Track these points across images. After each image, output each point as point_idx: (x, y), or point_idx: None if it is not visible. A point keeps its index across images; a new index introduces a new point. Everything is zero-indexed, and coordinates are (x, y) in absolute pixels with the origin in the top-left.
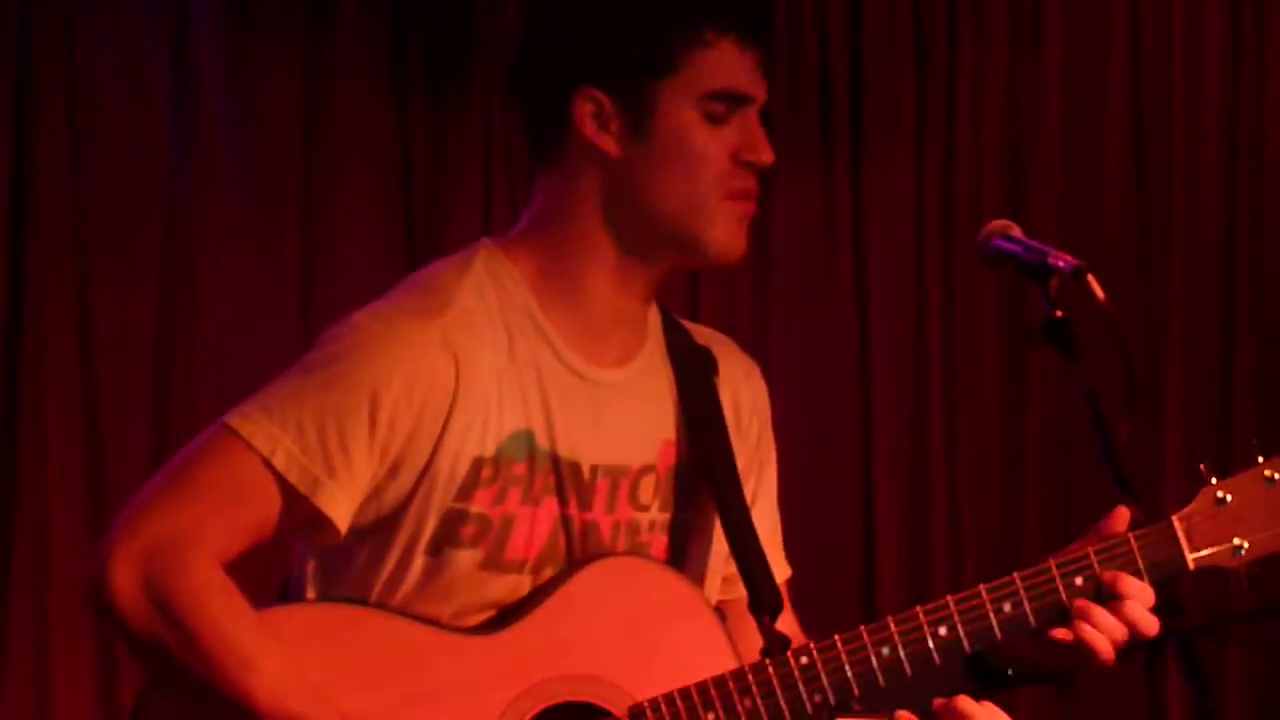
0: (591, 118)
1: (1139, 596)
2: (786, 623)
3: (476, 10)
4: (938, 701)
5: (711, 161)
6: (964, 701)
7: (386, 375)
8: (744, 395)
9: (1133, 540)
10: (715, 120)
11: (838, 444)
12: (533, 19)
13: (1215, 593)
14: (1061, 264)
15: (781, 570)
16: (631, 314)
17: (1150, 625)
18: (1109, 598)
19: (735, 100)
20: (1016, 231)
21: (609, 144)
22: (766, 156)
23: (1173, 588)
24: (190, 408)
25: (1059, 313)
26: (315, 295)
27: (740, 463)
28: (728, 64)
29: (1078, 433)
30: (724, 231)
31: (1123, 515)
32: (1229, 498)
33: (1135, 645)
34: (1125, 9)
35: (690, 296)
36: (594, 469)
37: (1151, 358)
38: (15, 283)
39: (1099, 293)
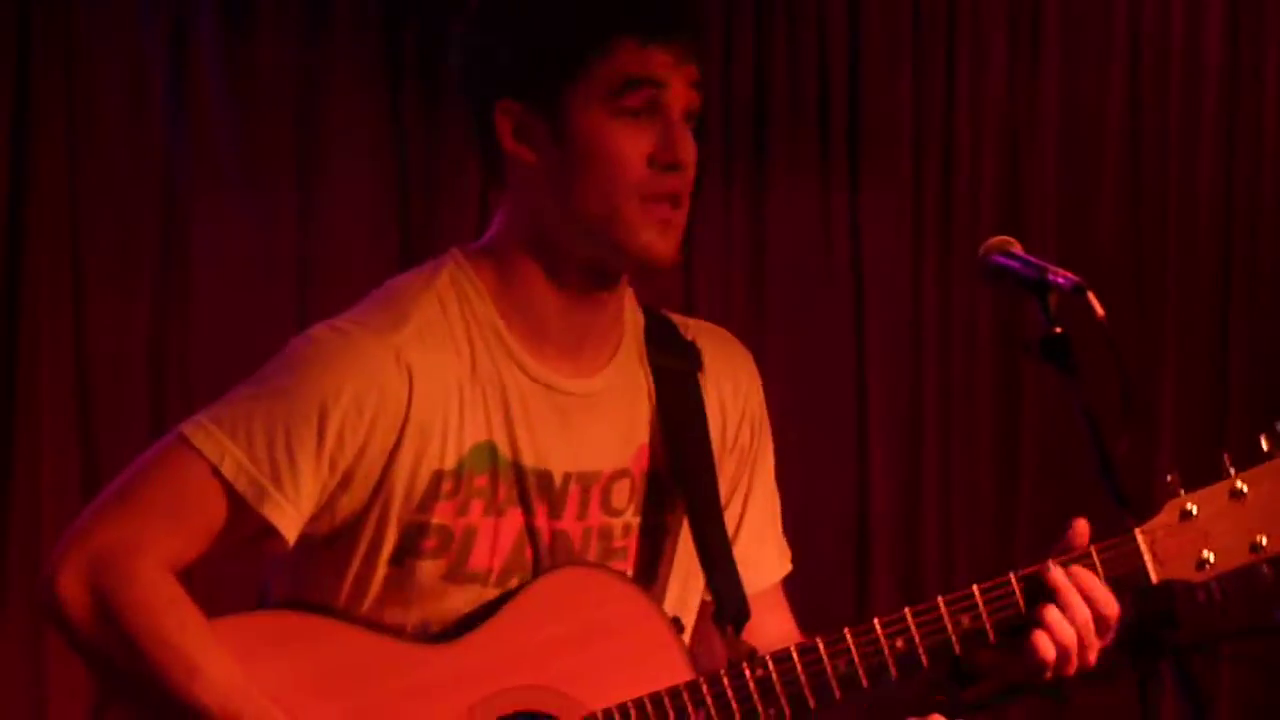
0: (511, 131)
1: (1098, 592)
2: (780, 620)
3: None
4: None
5: (626, 164)
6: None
7: (336, 390)
8: (730, 388)
9: (1094, 552)
10: (629, 116)
11: (832, 458)
12: (452, 43)
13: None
14: (1061, 280)
15: (780, 565)
16: (596, 322)
17: (1110, 603)
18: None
19: (640, 86)
20: (1016, 248)
21: (528, 154)
22: (684, 155)
23: (1167, 603)
24: (186, 412)
25: (1058, 329)
26: (310, 300)
27: (724, 461)
28: (631, 59)
29: (1073, 447)
30: (646, 238)
31: (1083, 529)
32: (1195, 510)
33: (1102, 634)
34: (1125, 27)
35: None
36: (566, 476)
37: (1146, 373)
38: (11, 286)
39: (1099, 309)
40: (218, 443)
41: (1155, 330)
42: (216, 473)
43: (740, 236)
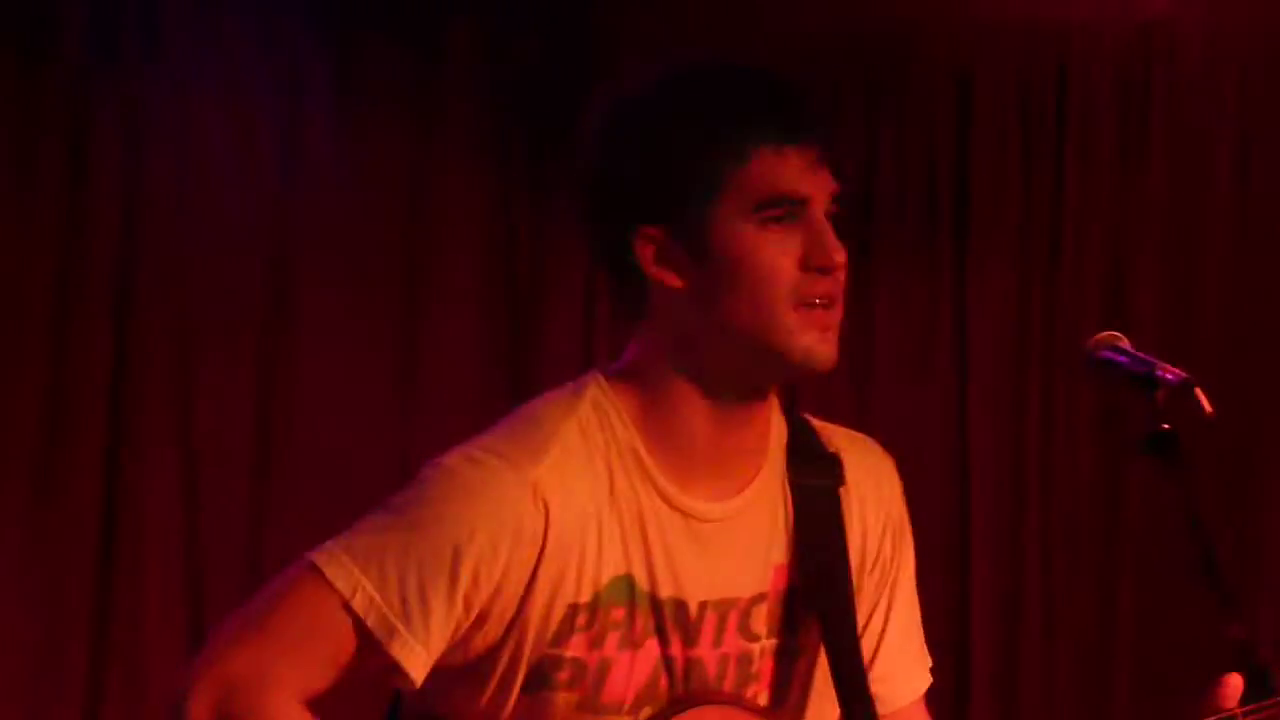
0: (653, 257)
1: None
2: None
3: (582, 108)
4: None
5: (777, 271)
6: None
7: (470, 529)
8: (873, 501)
9: (1241, 715)
10: (774, 223)
11: (935, 546)
12: (577, 174)
13: None
14: (1170, 376)
15: (921, 679)
16: (744, 440)
17: None
18: None
19: (786, 204)
20: (1124, 343)
21: (673, 278)
22: (836, 256)
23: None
24: (287, 506)
25: (1166, 425)
26: (414, 388)
27: (864, 581)
28: (772, 171)
29: (1175, 544)
30: (806, 342)
31: (1235, 687)
32: None
33: None
34: (1232, 129)
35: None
36: (702, 605)
37: (1249, 471)
38: (120, 349)
39: (1207, 407)
40: (349, 575)
41: (1257, 429)
42: (347, 606)
43: (845, 328)
